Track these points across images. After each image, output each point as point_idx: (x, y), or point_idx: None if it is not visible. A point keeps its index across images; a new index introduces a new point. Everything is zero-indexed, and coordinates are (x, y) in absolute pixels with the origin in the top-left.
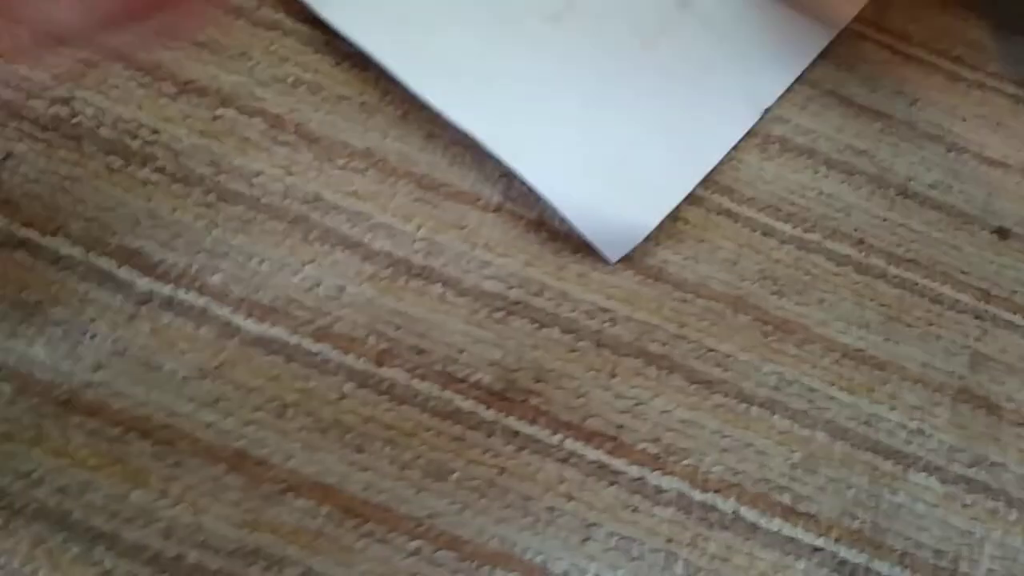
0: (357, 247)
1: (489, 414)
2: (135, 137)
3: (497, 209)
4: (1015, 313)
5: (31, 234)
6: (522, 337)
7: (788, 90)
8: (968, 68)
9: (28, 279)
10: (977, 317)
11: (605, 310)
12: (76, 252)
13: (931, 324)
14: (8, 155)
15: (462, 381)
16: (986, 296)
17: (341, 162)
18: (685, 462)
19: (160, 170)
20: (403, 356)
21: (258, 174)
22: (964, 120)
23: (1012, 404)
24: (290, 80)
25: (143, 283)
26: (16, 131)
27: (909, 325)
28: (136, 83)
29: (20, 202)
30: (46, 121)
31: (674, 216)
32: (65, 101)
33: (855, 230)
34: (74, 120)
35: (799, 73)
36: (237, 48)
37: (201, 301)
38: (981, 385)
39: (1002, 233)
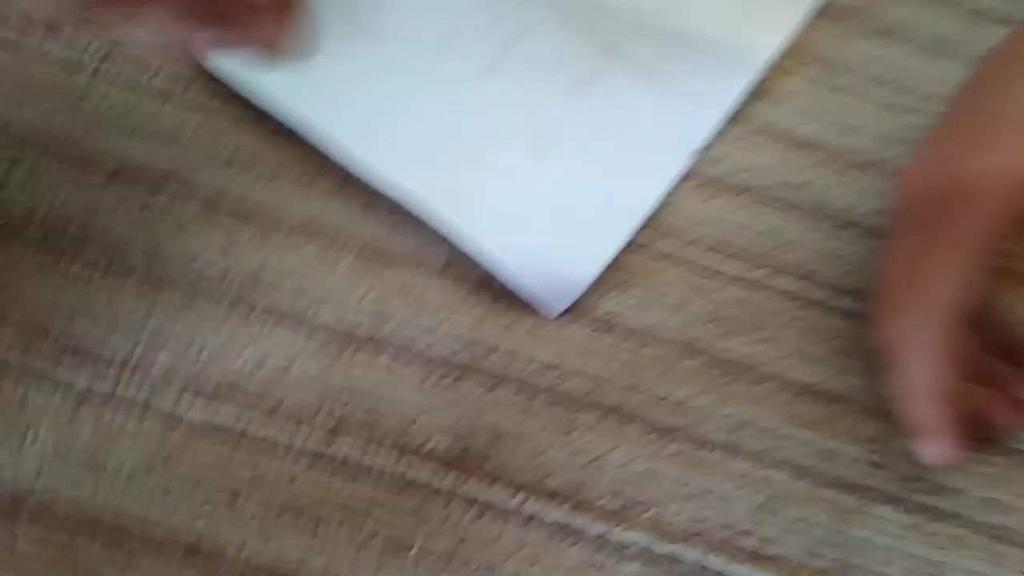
0: (301, 323)
1: (446, 483)
2: (65, 233)
3: (442, 272)
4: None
5: None
6: (474, 400)
7: (721, 130)
8: (900, 93)
9: None
10: None
11: (556, 366)
12: (11, 356)
13: (880, 357)
14: None
15: (416, 451)
16: None
17: (280, 237)
18: (647, 514)
19: (93, 264)
20: (354, 431)
21: (195, 257)
22: (902, 144)
23: None
24: (224, 158)
25: (82, 381)
26: None
27: (859, 356)
28: (64, 175)
29: None
30: None
31: (617, 265)
32: None
33: (799, 264)
34: (2, 222)
35: (727, 112)
36: (167, 131)
37: (142, 394)
38: None
39: None
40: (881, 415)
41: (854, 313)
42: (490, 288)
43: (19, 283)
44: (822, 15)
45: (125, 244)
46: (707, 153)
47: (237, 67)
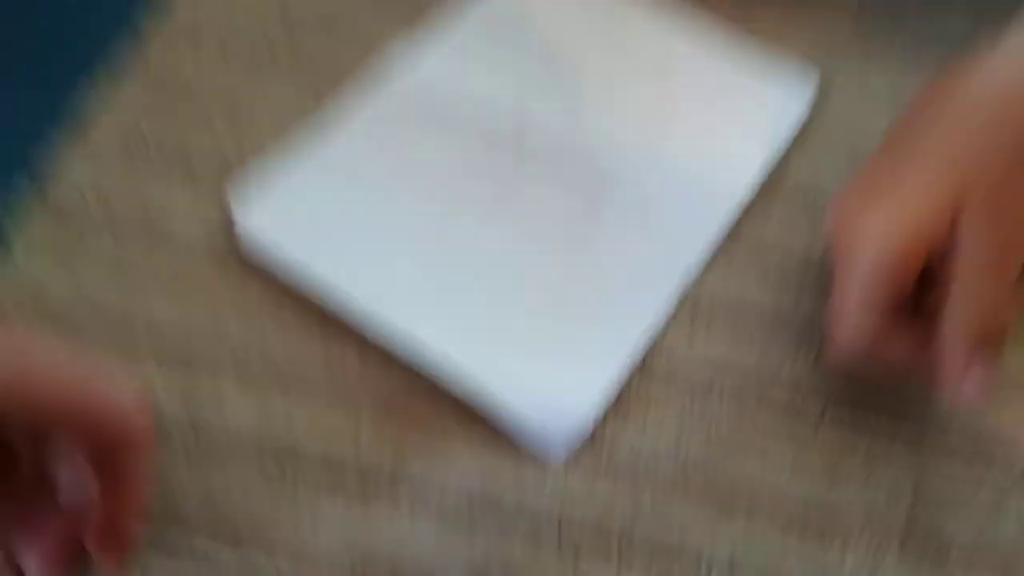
0: (327, 476)
1: None
2: None
3: (456, 419)
4: (950, 436)
5: None
6: (489, 544)
7: (710, 257)
8: None
9: None
10: (917, 450)
11: (563, 505)
12: None
13: (873, 462)
14: None
15: None
16: (921, 431)
17: (307, 397)
18: None
19: None
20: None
21: (229, 419)
22: None
23: (956, 539)
24: (253, 326)
25: None
26: None
27: (851, 467)
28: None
29: None
30: None
31: (617, 399)
32: None
33: (789, 380)
34: None
35: (715, 239)
36: (203, 299)
37: (183, 537)
38: (926, 520)
39: None
40: (873, 528)
41: (844, 424)
42: (499, 436)
43: None
44: (802, 133)
45: (165, 412)
46: (694, 286)
47: (261, 241)
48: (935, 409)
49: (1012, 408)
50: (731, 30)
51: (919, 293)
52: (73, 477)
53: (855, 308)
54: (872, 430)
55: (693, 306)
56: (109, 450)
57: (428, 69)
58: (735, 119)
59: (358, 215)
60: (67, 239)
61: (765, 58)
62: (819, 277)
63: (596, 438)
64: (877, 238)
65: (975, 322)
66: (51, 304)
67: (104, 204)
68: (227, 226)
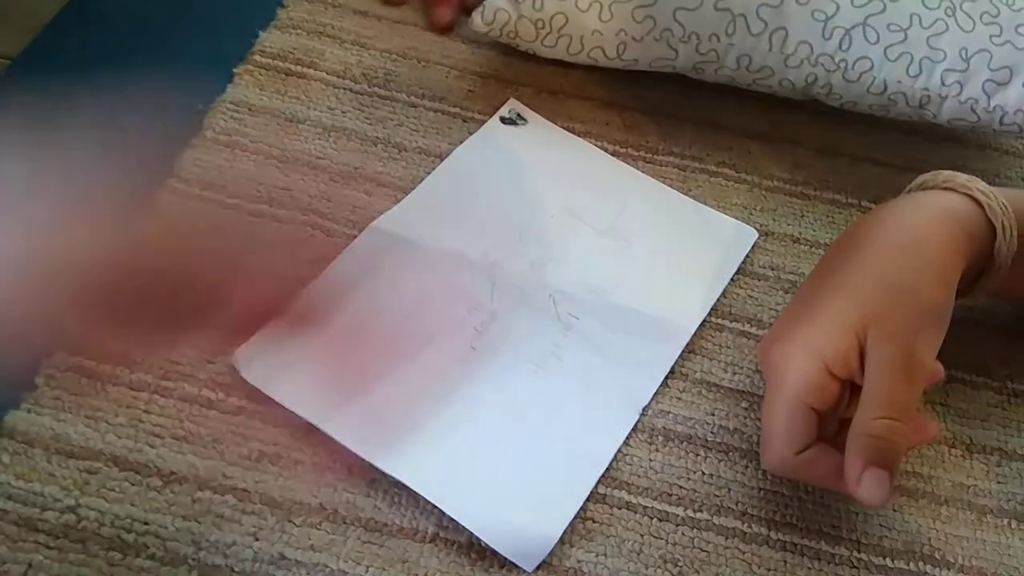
0: None
1: None
2: (129, 531)
3: (433, 539)
4: (884, 557)
5: None
6: None
7: (664, 385)
8: None
9: None
10: (853, 567)
11: None
12: None
13: None
14: (29, 566)
15: None
16: (858, 546)
17: (299, 520)
18: None
19: (151, 556)
20: None
21: (231, 545)
22: None
23: None
24: (254, 456)
25: None
26: (33, 544)
27: None
28: (128, 483)
29: None
30: (58, 530)
31: (583, 516)
32: (72, 509)
33: (737, 504)
34: (80, 525)
35: (668, 371)
36: (210, 436)
37: None
38: None
39: None
40: None
41: (787, 544)
42: (474, 551)
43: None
44: (743, 274)
45: (176, 537)
46: (653, 407)
47: (267, 378)
48: (869, 529)
49: (941, 523)
50: (680, 191)
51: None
52: None
53: (780, 428)
54: (812, 551)
55: (651, 430)
56: None
57: (408, 224)
58: (685, 262)
59: (346, 359)
60: (87, 391)
61: (710, 214)
62: (758, 406)
63: (563, 554)
64: (795, 367)
65: (872, 432)
66: (67, 445)
67: (122, 357)
68: (232, 372)
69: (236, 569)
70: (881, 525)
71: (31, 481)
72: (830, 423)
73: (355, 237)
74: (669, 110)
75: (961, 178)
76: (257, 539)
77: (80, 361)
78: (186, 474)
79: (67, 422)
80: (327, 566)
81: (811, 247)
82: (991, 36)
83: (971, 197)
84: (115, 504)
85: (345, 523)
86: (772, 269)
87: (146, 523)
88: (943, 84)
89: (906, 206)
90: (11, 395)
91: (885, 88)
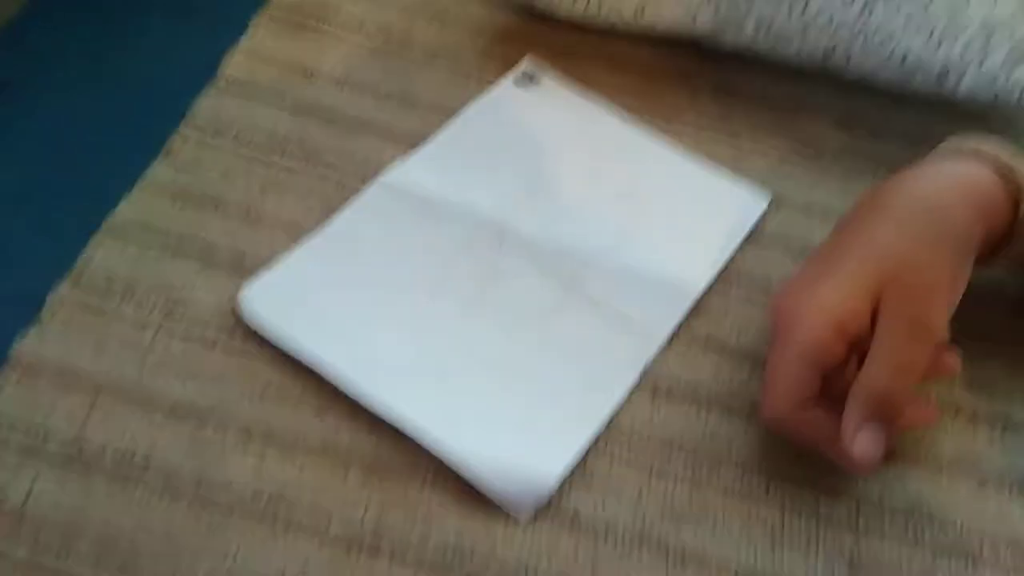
0: (315, 533)
1: None
2: (132, 461)
3: (432, 481)
4: (883, 518)
5: (48, 558)
6: None
7: (669, 345)
8: None
9: None
10: (852, 526)
11: (529, 561)
12: (85, 569)
13: (810, 538)
14: (31, 491)
15: None
16: (857, 506)
17: (300, 459)
18: None
19: (153, 487)
20: None
21: (232, 480)
22: None
23: None
24: (257, 394)
25: None
26: (37, 469)
27: (792, 540)
28: (132, 415)
29: (40, 531)
30: (61, 458)
31: (582, 466)
32: (76, 438)
33: (737, 461)
34: (83, 454)
35: (672, 331)
36: (213, 373)
37: None
38: None
39: None
40: None
41: (783, 502)
42: (472, 494)
43: (93, 506)
44: (753, 239)
45: (178, 471)
46: (655, 365)
47: (266, 320)
48: (870, 490)
49: (942, 490)
50: (694, 156)
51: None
52: None
53: (783, 380)
54: (811, 509)
55: (653, 388)
56: None
57: (418, 178)
58: (695, 225)
59: (352, 302)
60: (92, 324)
61: (722, 178)
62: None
63: (561, 502)
64: (806, 323)
65: (875, 388)
66: (72, 375)
67: (129, 293)
68: (237, 312)
69: (236, 503)
70: (882, 487)
71: (36, 409)
72: (831, 387)
73: (365, 188)
74: (685, 76)
75: (987, 145)
76: (258, 475)
77: (86, 295)
78: (189, 409)
79: (72, 353)
80: (325, 504)
81: (824, 216)
82: (1012, 12)
83: (996, 165)
84: (118, 435)
85: (346, 462)
86: (783, 236)
87: (148, 454)
88: (963, 58)
89: (929, 171)
90: (17, 325)
91: (905, 59)
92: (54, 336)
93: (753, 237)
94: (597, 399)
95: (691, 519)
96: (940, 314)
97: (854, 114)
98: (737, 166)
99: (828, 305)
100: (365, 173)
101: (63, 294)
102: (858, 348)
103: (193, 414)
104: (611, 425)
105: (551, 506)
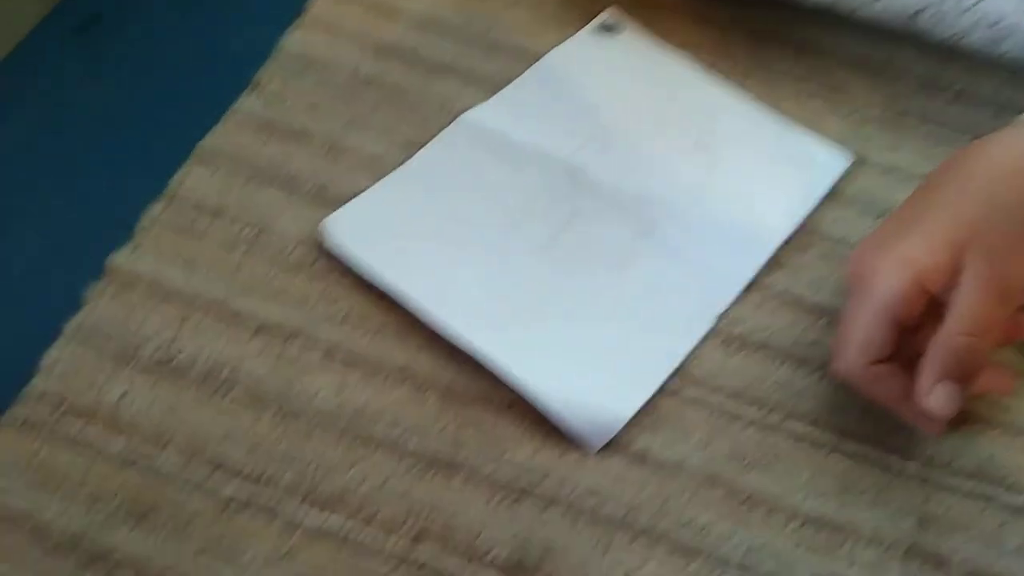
0: (395, 448)
1: None
2: (221, 371)
3: (508, 408)
4: (956, 476)
5: (143, 452)
6: (531, 517)
7: (744, 295)
8: None
9: (141, 488)
10: (923, 482)
11: (596, 492)
12: (177, 465)
13: (881, 490)
14: (126, 392)
15: (481, 559)
16: (930, 463)
17: (381, 379)
18: None
19: (241, 396)
20: (433, 537)
21: (316, 394)
22: None
23: (958, 556)
24: (340, 317)
25: (229, 487)
26: (132, 372)
27: (862, 492)
28: (222, 328)
29: (135, 428)
30: (154, 363)
31: (653, 406)
32: (168, 346)
33: (809, 411)
34: (175, 361)
35: (748, 282)
36: (299, 294)
37: (273, 499)
38: (929, 542)
39: None
40: (878, 543)
41: (856, 454)
42: (546, 424)
43: (184, 409)
44: (834, 197)
45: (265, 381)
46: (730, 315)
47: (350, 249)
48: (942, 449)
49: (1014, 453)
50: (773, 112)
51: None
52: None
53: (859, 333)
54: (881, 463)
55: (726, 336)
56: None
57: (498, 120)
58: (774, 180)
59: (430, 237)
60: (185, 241)
61: (803, 136)
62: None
63: (631, 439)
64: (886, 276)
65: (955, 344)
66: (165, 288)
67: (219, 214)
68: (321, 239)
69: (319, 415)
70: (953, 447)
71: (131, 317)
72: (904, 348)
73: (445, 128)
74: (767, 32)
75: None
76: (340, 391)
77: (177, 216)
78: (275, 326)
79: (165, 268)
80: (405, 421)
81: (906, 178)
82: None
83: None
84: (208, 345)
85: (424, 385)
86: (863, 195)
87: (237, 365)
88: None
89: (1011, 139)
90: (111, 243)
91: (996, 23)
92: (147, 253)
93: (832, 196)
94: (670, 343)
95: (759, 464)
96: (1022, 277)
97: (939, 78)
98: (817, 125)
99: (909, 259)
100: (445, 113)
101: (156, 214)
102: (933, 311)
103: (278, 333)
104: (683, 369)
105: (621, 443)
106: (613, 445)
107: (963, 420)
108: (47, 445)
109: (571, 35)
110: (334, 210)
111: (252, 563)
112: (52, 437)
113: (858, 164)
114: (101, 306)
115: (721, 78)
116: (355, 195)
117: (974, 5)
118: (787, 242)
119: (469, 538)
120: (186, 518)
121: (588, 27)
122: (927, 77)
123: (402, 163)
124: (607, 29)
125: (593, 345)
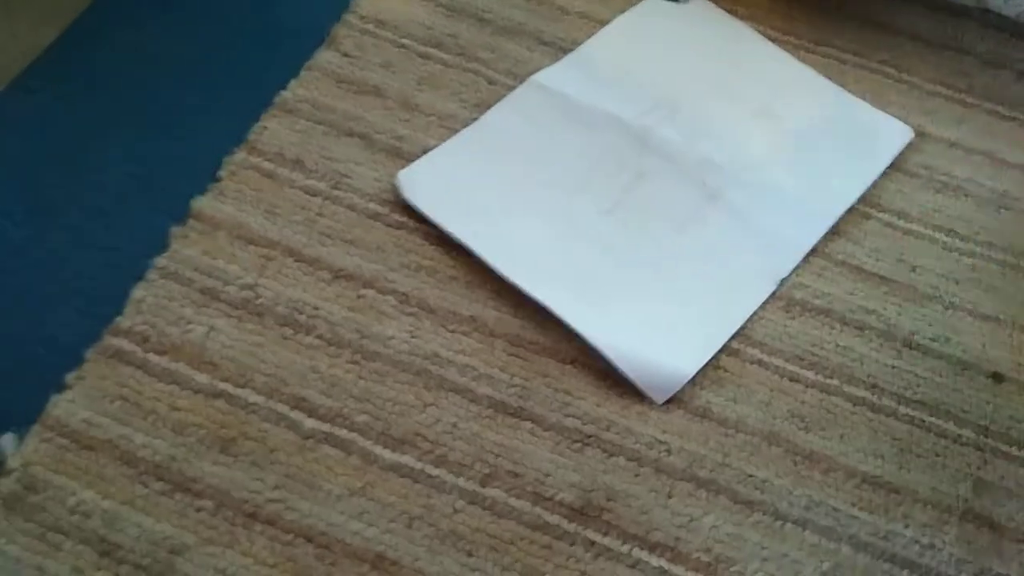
0: (465, 392)
1: (571, 527)
2: (301, 313)
3: (573, 361)
4: (1011, 446)
5: (227, 386)
6: (595, 464)
7: (806, 262)
8: (960, 239)
9: (225, 420)
10: (978, 449)
11: (662, 442)
12: (260, 399)
13: (938, 455)
14: (211, 328)
15: (549, 500)
16: (985, 431)
17: (452, 327)
18: (733, 568)
19: (320, 337)
20: (502, 479)
21: (391, 338)
22: (958, 283)
23: (1012, 523)
24: (413, 266)
25: (309, 423)
26: (216, 310)
27: (919, 456)
28: (302, 272)
29: (219, 363)
30: (237, 302)
31: (715, 365)
32: (251, 287)
33: (868, 376)
34: (258, 301)
35: (811, 248)
36: (374, 243)
37: (350, 436)
38: (984, 507)
39: (997, 377)
40: (935, 506)
41: (914, 419)
42: (610, 377)
43: (268, 347)
44: (896, 170)
45: (342, 324)
46: (792, 279)
47: (423, 201)
48: (999, 418)
49: None
50: (838, 84)
51: None
52: None
53: None
54: (937, 429)
55: (788, 300)
56: None
57: (567, 82)
58: (837, 150)
59: (501, 191)
60: (266, 188)
61: (866, 108)
62: (898, 294)
63: (694, 394)
64: None
65: None
66: (248, 232)
67: (298, 164)
68: (396, 191)
69: (394, 359)
70: (1011, 417)
71: (215, 258)
72: None
73: (515, 88)
74: (834, 4)
75: None
76: (414, 336)
77: (260, 161)
78: (352, 272)
79: (247, 213)
80: (475, 368)
81: (968, 153)
82: None
83: None
84: (289, 288)
85: (493, 335)
86: (925, 169)
87: (316, 308)
88: None
89: None
90: (195, 187)
91: None
92: (231, 196)
93: (894, 169)
94: (734, 304)
95: (819, 425)
96: None
97: (1004, 55)
98: (882, 98)
99: None
100: (515, 74)
101: (239, 159)
102: None
103: (356, 278)
104: (745, 330)
105: (683, 398)
106: (676, 400)
107: (1020, 389)
108: (135, 377)
109: (639, 1)
110: (408, 164)
111: (329, 496)
112: (140, 370)
113: (920, 138)
114: (186, 247)
115: (787, 49)
116: (427, 151)
117: None
118: (849, 211)
119: (536, 481)
120: (267, 450)
121: None
122: (991, 54)
123: (473, 122)
124: None
125: (658, 303)
